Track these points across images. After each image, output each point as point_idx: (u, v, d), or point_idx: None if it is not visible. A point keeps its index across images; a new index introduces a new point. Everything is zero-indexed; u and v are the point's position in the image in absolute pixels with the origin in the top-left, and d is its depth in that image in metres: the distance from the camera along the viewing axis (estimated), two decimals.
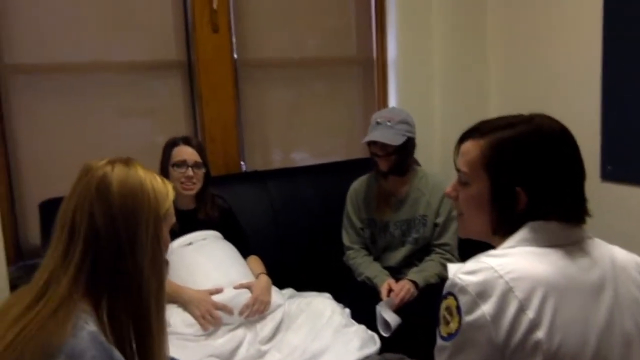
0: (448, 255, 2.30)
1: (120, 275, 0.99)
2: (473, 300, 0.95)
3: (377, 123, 2.24)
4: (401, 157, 2.26)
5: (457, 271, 1.00)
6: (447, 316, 0.99)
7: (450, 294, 0.99)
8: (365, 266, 2.33)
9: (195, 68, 2.53)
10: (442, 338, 1.01)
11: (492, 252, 1.02)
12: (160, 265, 1.05)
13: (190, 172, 2.09)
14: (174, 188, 2.02)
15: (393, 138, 2.19)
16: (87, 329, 0.92)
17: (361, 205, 2.39)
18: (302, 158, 2.95)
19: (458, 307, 0.97)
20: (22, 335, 0.90)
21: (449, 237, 2.31)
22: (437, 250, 2.32)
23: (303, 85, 2.90)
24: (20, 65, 2.27)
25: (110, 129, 2.46)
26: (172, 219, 1.11)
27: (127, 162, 1.07)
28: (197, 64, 2.51)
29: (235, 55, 2.63)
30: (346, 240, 2.43)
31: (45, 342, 0.88)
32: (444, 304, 1.01)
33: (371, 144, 2.25)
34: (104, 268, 0.99)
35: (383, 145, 2.21)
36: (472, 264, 1.00)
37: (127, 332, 1.02)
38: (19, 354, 0.87)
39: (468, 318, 0.95)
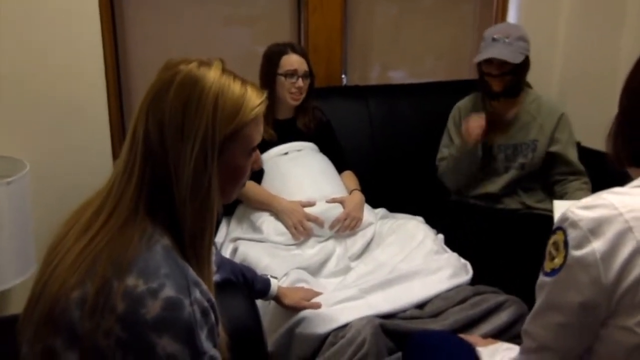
0: (586, 179, 2.18)
1: (172, 197, 0.88)
2: (584, 235, 0.86)
3: (494, 39, 2.06)
4: (516, 77, 2.10)
5: (571, 205, 0.91)
6: (553, 251, 0.92)
7: (560, 228, 0.91)
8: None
9: None
10: (545, 274, 0.94)
11: (616, 188, 0.92)
12: (202, 196, 0.88)
13: (300, 82, 2.04)
14: (281, 98, 2.02)
15: (512, 56, 2.03)
16: (162, 242, 0.86)
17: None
18: (400, 76, 2.82)
19: (566, 242, 0.89)
20: (91, 246, 0.85)
21: (578, 163, 2.18)
22: (572, 177, 2.19)
23: None
24: None
25: (213, 37, 2.45)
26: (250, 142, 0.94)
27: (206, 63, 0.91)
28: None
29: None
30: (440, 153, 2.34)
31: (117, 254, 0.82)
32: (551, 240, 0.93)
33: (484, 62, 2.10)
34: (160, 186, 0.88)
35: (500, 64, 2.06)
36: (590, 198, 0.90)
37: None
38: (89, 266, 0.83)
39: (575, 252, 0.87)
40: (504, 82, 2.09)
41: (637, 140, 0.96)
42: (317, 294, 1.68)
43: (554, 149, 2.17)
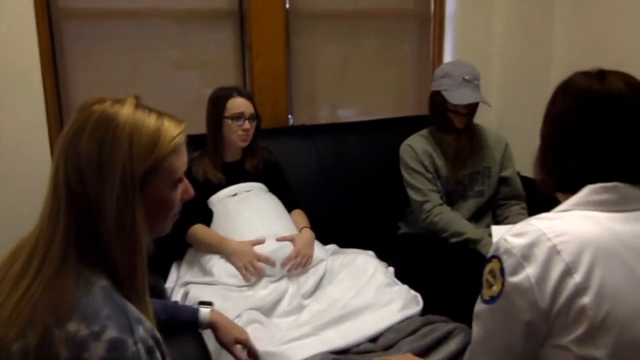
0: (524, 204, 2.32)
1: (100, 237, 0.88)
2: (518, 262, 0.91)
3: (465, 80, 2.13)
4: (474, 114, 2.24)
5: (504, 234, 0.96)
6: (490, 279, 0.96)
7: (495, 257, 0.96)
8: (462, 224, 2.17)
9: (246, 18, 2.49)
10: (484, 301, 0.97)
11: (544, 215, 0.97)
12: (127, 232, 0.88)
13: (247, 124, 2.07)
14: (229, 141, 2.03)
15: (485, 98, 2.16)
16: (99, 284, 0.85)
17: (425, 161, 2.26)
18: (348, 115, 2.89)
19: (502, 270, 0.93)
20: (28, 295, 0.83)
21: (521, 188, 2.33)
22: (513, 202, 2.33)
23: (354, 39, 2.81)
24: (74, 10, 2.27)
25: (160, 81, 2.46)
26: (173, 173, 0.94)
27: (119, 101, 0.92)
28: (248, 13, 2.47)
29: (287, 5, 2.57)
30: (418, 196, 2.24)
31: (56, 302, 0.82)
32: (487, 268, 0.97)
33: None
34: (87, 228, 0.87)
35: (469, 104, 2.15)
36: (520, 225, 0.96)
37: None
38: (28, 316, 0.81)
39: (512, 279, 0.92)
40: (468, 119, 2.21)
41: (558, 166, 1.02)
42: (246, 337, 1.53)
43: (504, 174, 2.31)
